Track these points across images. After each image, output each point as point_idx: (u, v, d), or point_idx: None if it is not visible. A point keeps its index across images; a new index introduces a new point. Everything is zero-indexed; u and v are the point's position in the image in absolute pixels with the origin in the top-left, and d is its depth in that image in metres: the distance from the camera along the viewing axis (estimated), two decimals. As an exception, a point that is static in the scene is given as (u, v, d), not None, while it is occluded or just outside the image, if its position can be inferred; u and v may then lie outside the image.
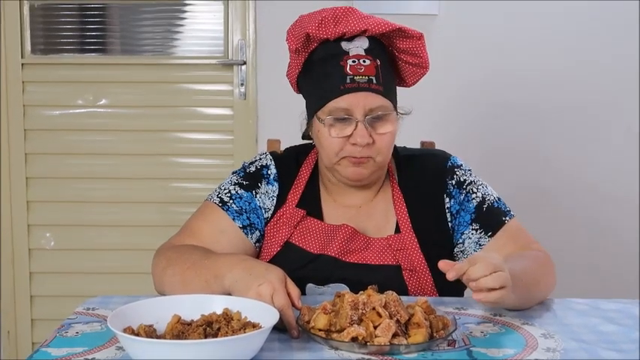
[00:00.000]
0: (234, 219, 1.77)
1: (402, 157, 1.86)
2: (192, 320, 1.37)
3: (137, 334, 1.30)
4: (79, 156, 3.34)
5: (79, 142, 3.33)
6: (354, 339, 1.32)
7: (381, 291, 1.45)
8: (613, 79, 3.29)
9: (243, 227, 1.77)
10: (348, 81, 1.67)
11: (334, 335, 1.35)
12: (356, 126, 1.67)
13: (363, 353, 1.33)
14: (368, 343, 1.32)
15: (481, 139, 3.30)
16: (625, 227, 3.34)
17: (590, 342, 1.41)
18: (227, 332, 1.31)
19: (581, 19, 3.26)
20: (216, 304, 1.41)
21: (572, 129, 3.30)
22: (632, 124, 3.30)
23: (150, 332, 1.32)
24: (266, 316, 1.34)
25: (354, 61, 1.68)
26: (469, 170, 1.83)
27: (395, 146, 1.86)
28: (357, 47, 1.70)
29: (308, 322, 1.40)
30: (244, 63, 3.27)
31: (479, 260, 1.43)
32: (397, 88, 1.80)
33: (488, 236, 1.75)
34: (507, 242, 1.74)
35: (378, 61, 1.69)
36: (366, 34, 1.71)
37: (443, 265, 1.45)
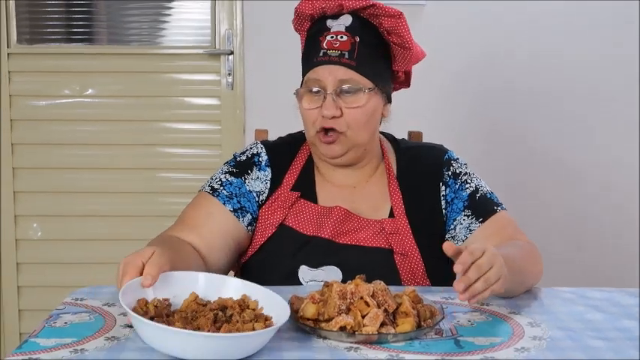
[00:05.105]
0: (224, 203, 1.79)
1: (402, 149, 1.90)
2: (209, 301, 1.38)
3: (146, 307, 1.32)
4: (66, 146, 3.33)
5: (66, 132, 3.32)
6: (342, 328, 1.33)
7: (373, 275, 1.46)
8: (609, 64, 3.29)
9: (234, 210, 1.79)
10: (321, 54, 1.74)
11: (322, 324, 1.36)
12: (325, 98, 1.73)
13: (352, 342, 1.33)
14: (356, 333, 1.33)
15: (470, 127, 3.30)
16: (624, 221, 3.36)
17: (576, 330, 1.42)
18: (237, 321, 1.31)
19: (572, 4, 3.26)
20: (229, 287, 1.44)
21: (566, 117, 3.31)
22: (631, 111, 3.31)
23: (162, 307, 1.34)
24: (279, 311, 1.34)
25: (332, 37, 1.75)
26: (465, 164, 1.88)
27: (395, 138, 1.93)
28: (340, 25, 1.76)
29: (297, 311, 1.40)
30: (231, 53, 3.27)
31: (475, 254, 1.38)
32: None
33: (479, 222, 1.77)
34: (497, 231, 1.76)
35: (357, 38, 1.75)
36: (344, 10, 1.77)
37: (447, 246, 1.41)
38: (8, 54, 3.28)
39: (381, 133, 1.94)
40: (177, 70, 3.32)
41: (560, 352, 1.32)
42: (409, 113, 3.12)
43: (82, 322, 1.44)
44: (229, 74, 3.28)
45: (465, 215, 1.79)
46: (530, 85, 3.30)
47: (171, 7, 3.36)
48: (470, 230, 1.77)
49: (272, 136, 2.02)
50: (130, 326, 1.39)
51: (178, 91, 3.33)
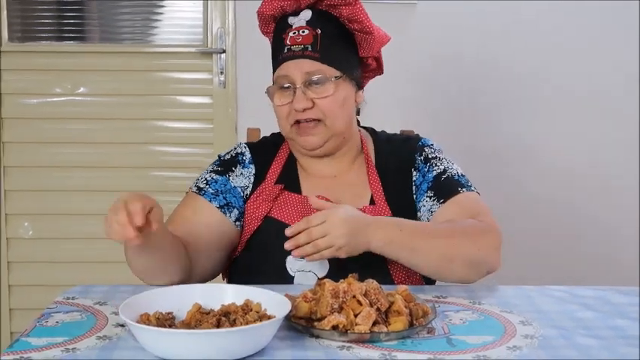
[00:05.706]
0: (210, 201, 1.81)
1: (380, 140, 1.93)
2: (212, 310, 1.38)
3: (149, 321, 1.31)
4: (57, 145, 3.32)
5: (57, 130, 3.31)
6: (334, 327, 1.33)
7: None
8: (609, 64, 3.29)
9: (221, 207, 1.81)
10: (285, 51, 1.80)
11: (315, 323, 1.36)
12: (295, 93, 1.77)
13: (344, 341, 1.33)
14: (349, 331, 1.33)
15: (465, 126, 3.30)
16: (624, 220, 3.36)
17: (568, 328, 1.42)
18: (241, 323, 1.31)
19: (572, 4, 3.25)
20: (228, 294, 1.42)
21: (564, 116, 3.31)
22: (630, 111, 3.31)
23: (164, 319, 1.33)
24: (282, 310, 1.34)
25: (294, 33, 1.80)
26: (439, 149, 1.90)
27: (375, 130, 1.96)
28: (301, 20, 1.81)
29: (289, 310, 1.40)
30: (224, 51, 3.26)
31: (312, 222, 1.57)
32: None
33: (440, 203, 1.77)
34: (457, 211, 1.75)
35: (319, 30, 1.79)
36: (302, 6, 1.81)
37: (313, 201, 1.66)
38: (-1, 52, 3.27)
39: (363, 127, 1.97)
40: (169, 69, 3.32)
41: (552, 351, 1.32)
42: (401, 111, 3.13)
43: (74, 321, 1.44)
44: (221, 73, 3.28)
45: (427, 197, 1.80)
46: (527, 85, 3.30)
47: (163, 6, 3.35)
48: (431, 212, 1.78)
49: (264, 135, 2.03)
50: (122, 325, 1.39)
51: (170, 90, 3.32)
